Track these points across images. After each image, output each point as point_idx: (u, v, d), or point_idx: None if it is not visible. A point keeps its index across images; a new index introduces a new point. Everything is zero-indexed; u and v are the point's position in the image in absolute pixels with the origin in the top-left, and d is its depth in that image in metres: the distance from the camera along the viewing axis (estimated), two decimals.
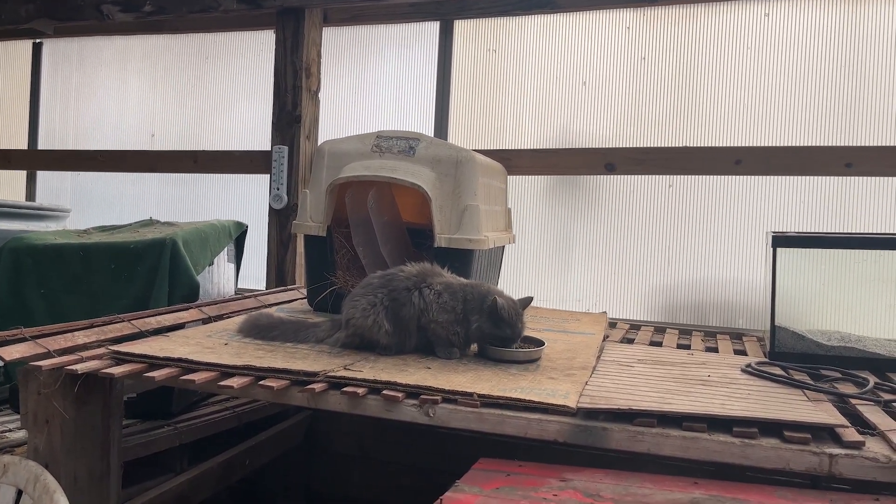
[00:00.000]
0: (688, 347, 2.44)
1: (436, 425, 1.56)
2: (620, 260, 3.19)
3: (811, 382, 1.86)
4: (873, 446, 1.38)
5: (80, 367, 1.70)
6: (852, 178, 2.83)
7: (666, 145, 3.10)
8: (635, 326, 2.86)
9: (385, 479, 3.05)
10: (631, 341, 2.51)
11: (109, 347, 1.85)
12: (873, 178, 2.80)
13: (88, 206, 4.16)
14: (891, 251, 2.18)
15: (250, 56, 3.83)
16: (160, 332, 2.15)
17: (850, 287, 2.26)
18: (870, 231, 2.79)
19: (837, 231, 2.83)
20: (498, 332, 1.92)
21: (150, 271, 2.60)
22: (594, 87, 3.24)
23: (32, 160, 4.26)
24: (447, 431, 2.30)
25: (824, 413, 1.54)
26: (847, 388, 1.84)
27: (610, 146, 3.17)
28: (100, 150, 4.06)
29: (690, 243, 3.10)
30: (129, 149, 4.03)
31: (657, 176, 3.10)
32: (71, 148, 4.19)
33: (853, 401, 1.71)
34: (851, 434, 1.41)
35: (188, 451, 2.42)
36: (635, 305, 3.17)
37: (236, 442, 2.60)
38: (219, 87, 3.91)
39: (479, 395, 1.57)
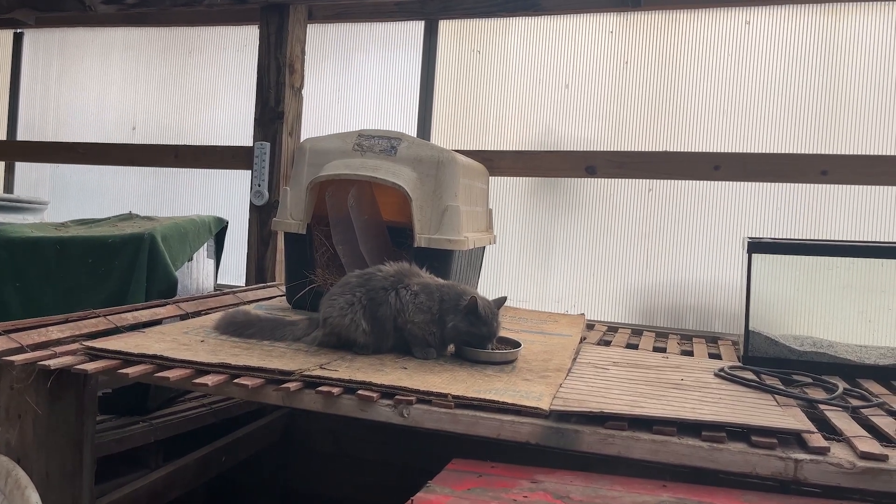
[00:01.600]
0: (664, 350, 2.46)
1: (410, 426, 1.57)
2: (600, 262, 3.21)
3: (782, 387, 1.89)
4: (838, 452, 1.40)
5: (52, 363, 1.69)
6: (828, 185, 2.87)
7: (646, 149, 3.13)
8: (613, 328, 2.88)
9: (362, 477, 3.05)
10: (608, 343, 2.53)
11: (83, 343, 1.84)
12: (848, 185, 2.85)
13: (67, 198, 4.13)
14: (863, 258, 2.22)
15: (234, 51, 3.82)
16: (136, 327, 2.14)
17: (823, 293, 2.29)
18: (844, 238, 2.84)
19: (813, 238, 2.88)
20: (474, 330, 1.93)
21: (128, 266, 2.58)
22: (577, 90, 3.26)
23: (11, 151, 4.22)
24: (424, 431, 2.31)
25: (792, 418, 1.57)
26: (817, 394, 1.87)
27: (591, 149, 3.20)
28: (80, 142, 4.03)
29: (669, 247, 3.13)
30: (109, 141, 4.00)
31: (637, 179, 3.13)
32: (51, 140, 4.15)
33: (822, 406, 1.74)
34: (817, 440, 1.43)
35: (163, 447, 2.41)
36: (614, 307, 3.20)
37: (213, 439, 2.59)
38: (202, 81, 3.89)
39: (454, 397, 1.58)
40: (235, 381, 1.65)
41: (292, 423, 3.10)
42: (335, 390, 1.61)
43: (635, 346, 2.50)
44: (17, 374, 1.72)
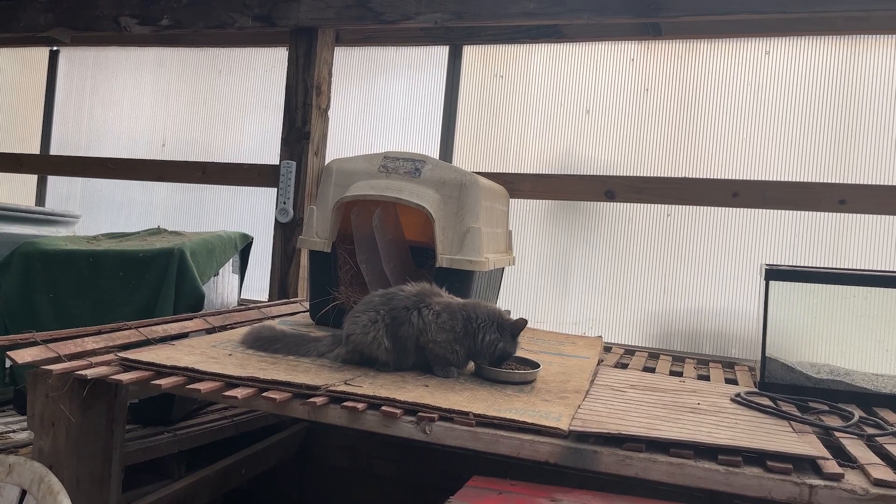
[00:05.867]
0: (680, 374, 2.49)
1: (431, 442, 1.61)
2: (618, 285, 3.25)
3: (798, 414, 1.92)
4: (852, 479, 1.42)
5: (89, 373, 1.75)
6: (846, 214, 2.89)
7: (666, 175, 3.17)
8: (630, 352, 2.91)
9: (377, 493, 3.08)
10: (625, 366, 2.56)
11: (118, 354, 1.91)
12: (866, 215, 2.87)
13: (97, 211, 4.23)
14: (880, 288, 2.24)
15: (262, 72, 3.92)
16: (165, 340, 2.21)
17: (840, 322, 2.31)
18: (862, 267, 2.85)
19: (830, 266, 2.89)
20: (509, 348, 2.00)
21: (158, 280, 2.65)
22: (597, 116, 3.31)
23: (44, 165, 4.34)
24: (440, 448, 2.34)
25: (807, 444, 1.59)
26: (833, 421, 1.89)
27: (610, 174, 3.24)
28: (110, 157, 4.14)
29: (687, 272, 3.16)
30: (139, 157, 4.11)
31: (656, 205, 3.17)
32: (83, 154, 4.27)
33: (837, 434, 1.76)
34: (832, 466, 1.46)
35: (186, 457, 2.46)
36: (631, 331, 3.22)
37: (231, 451, 2.64)
38: (230, 100, 4.00)
39: (475, 415, 1.62)
40: (263, 394, 1.71)
41: (309, 439, 3.15)
42: (360, 406, 1.65)
43: (652, 370, 2.53)
44: (53, 383, 1.79)
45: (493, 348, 1.99)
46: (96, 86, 4.31)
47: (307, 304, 2.80)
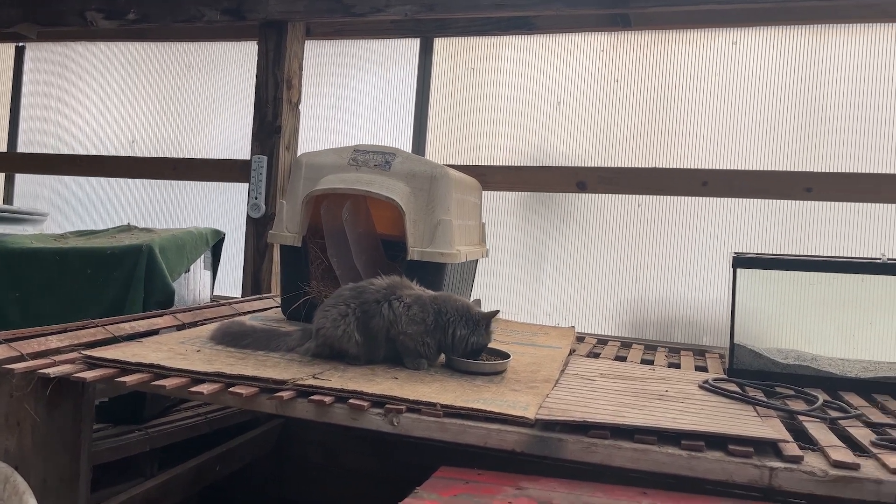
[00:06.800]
0: (652, 363, 2.51)
1: (401, 434, 1.61)
2: (590, 275, 3.27)
3: (763, 399, 1.94)
4: (813, 461, 1.45)
5: (52, 371, 1.73)
6: (812, 202, 2.93)
7: (636, 166, 3.20)
8: (602, 341, 2.93)
9: (353, 488, 3.08)
10: (597, 356, 2.58)
11: (82, 352, 1.89)
12: (831, 202, 2.91)
13: (66, 210, 4.18)
14: (844, 274, 2.27)
15: (233, 66, 3.88)
16: (134, 337, 2.18)
17: (806, 308, 2.35)
18: (827, 254, 2.90)
19: (797, 253, 2.93)
20: (482, 340, 2.01)
21: (126, 277, 2.62)
22: (568, 107, 3.33)
23: (11, 163, 4.27)
24: (416, 443, 2.35)
25: (770, 428, 1.62)
26: (798, 406, 1.92)
27: (582, 165, 3.26)
28: (79, 154, 4.08)
29: (658, 261, 3.19)
30: (109, 154, 4.06)
31: (627, 195, 3.19)
32: (51, 152, 4.21)
33: (801, 418, 1.79)
34: (792, 448, 1.48)
35: (158, 456, 2.44)
36: (604, 320, 3.25)
37: (207, 448, 2.63)
38: (201, 95, 3.96)
39: (443, 406, 1.62)
40: (230, 389, 1.70)
41: (285, 435, 3.14)
42: (327, 399, 1.65)
43: (624, 359, 2.55)
44: (17, 382, 1.76)
45: (465, 343, 2.00)
46: (63, 82, 4.24)
47: (279, 300, 2.78)
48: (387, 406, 1.62)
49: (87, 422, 1.95)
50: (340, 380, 1.78)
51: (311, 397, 1.66)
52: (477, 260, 2.98)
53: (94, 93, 4.18)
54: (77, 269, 2.64)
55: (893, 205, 2.86)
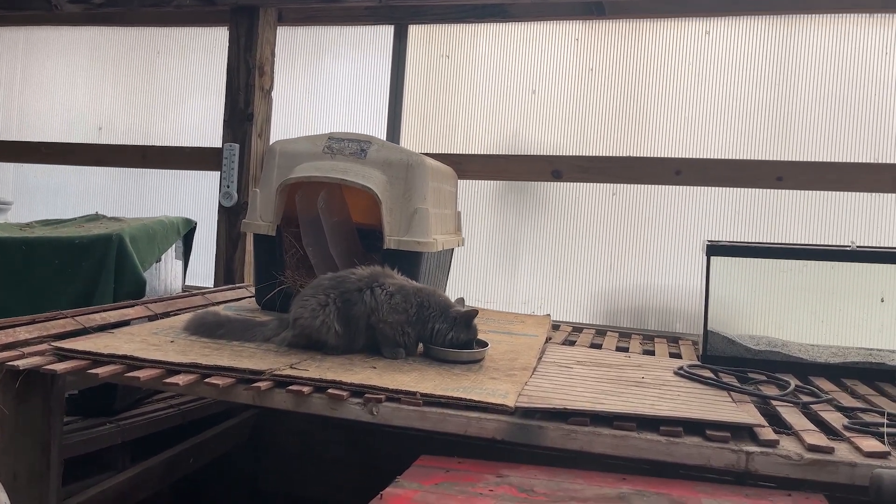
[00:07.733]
0: (627, 350, 2.53)
1: (380, 423, 1.61)
2: (566, 264, 3.28)
3: (737, 385, 1.97)
4: (788, 445, 1.47)
5: (21, 363, 1.69)
6: (783, 190, 2.98)
7: (611, 154, 3.21)
8: (578, 329, 2.94)
9: (331, 477, 3.07)
10: (573, 343, 2.60)
11: (52, 344, 1.84)
12: (802, 191, 2.96)
13: (31, 199, 4.07)
14: (815, 261, 2.31)
15: (203, 52, 3.81)
16: (105, 328, 2.14)
17: (778, 295, 2.38)
18: (798, 242, 2.94)
19: (768, 241, 2.97)
20: (463, 337, 2.00)
21: (96, 267, 2.57)
22: (543, 96, 3.33)
23: None
24: (395, 432, 2.34)
25: (745, 413, 1.64)
26: (770, 391, 1.95)
27: (557, 154, 3.26)
28: (44, 141, 3.98)
29: (633, 249, 3.21)
30: (75, 141, 3.96)
31: (602, 184, 3.21)
32: (14, 139, 4.09)
33: (774, 402, 1.82)
34: (767, 433, 1.51)
35: (130, 448, 2.40)
36: (579, 308, 3.27)
37: (181, 440, 2.59)
38: (170, 82, 3.88)
39: (422, 395, 1.62)
40: (206, 380, 1.67)
41: (261, 425, 3.11)
42: (305, 389, 1.64)
43: (599, 346, 2.57)
44: None
45: (443, 338, 2.00)
46: (27, 68, 4.12)
47: (253, 290, 2.75)
48: (366, 395, 1.61)
49: (57, 415, 1.91)
50: (318, 370, 1.77)
51: (289, 387, 1.65)
52: (453, 249, 2.98)
53: (60, 78, 4.07)
54: (45, 259, 2.58)
55: (863, 193, 2.92)
